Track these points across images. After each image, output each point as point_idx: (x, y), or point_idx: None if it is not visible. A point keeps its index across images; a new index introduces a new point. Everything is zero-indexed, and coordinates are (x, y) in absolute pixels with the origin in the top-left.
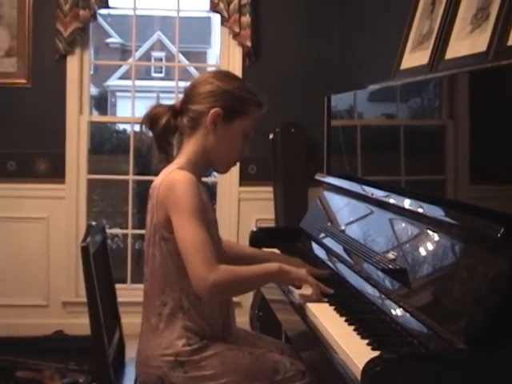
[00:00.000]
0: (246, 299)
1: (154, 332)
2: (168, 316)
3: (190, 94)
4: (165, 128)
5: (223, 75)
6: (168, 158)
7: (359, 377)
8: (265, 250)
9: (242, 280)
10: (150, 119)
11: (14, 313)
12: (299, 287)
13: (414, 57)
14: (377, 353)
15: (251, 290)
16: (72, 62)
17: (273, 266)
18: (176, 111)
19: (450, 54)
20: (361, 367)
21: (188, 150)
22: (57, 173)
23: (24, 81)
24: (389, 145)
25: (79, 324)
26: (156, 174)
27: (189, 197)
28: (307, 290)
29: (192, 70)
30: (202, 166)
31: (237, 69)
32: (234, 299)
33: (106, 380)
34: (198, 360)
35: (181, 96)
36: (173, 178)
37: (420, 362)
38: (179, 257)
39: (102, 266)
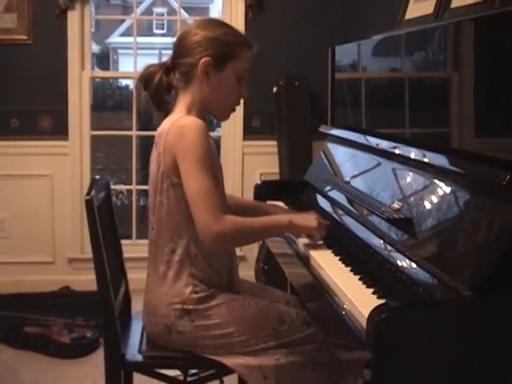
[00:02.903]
0: (251, 253)
1: (161, 281)
2: (177, 263)
3: (177, 48)
4: (158, 86)
5: (207, 23)
6: (167, 115)
7: (365, 324)
8: (269, 203)
9: (247, 231)
10: (144, 79)
11: (21, 270)
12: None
13: (419, 6)
14: (382, 301)
15: (256, 242)
16: (73, 17)
17: (284, 219)
18: (168, 68)
19: (456, 2)
20: (366, 315)
21: (185, 102)
22: (60, 129)
23: (25, 37)
24: (394, 96)
25: (85, 280)
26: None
27: (198, 144)
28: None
29: None
30: (202, 116)
31: (239, 23)
32: (239, 253)
33: (113, 333)
34: (205, 309)
35: None
36: (182, 124)
37: (426, 309)
38: (187, 203)
39: (106, 221)
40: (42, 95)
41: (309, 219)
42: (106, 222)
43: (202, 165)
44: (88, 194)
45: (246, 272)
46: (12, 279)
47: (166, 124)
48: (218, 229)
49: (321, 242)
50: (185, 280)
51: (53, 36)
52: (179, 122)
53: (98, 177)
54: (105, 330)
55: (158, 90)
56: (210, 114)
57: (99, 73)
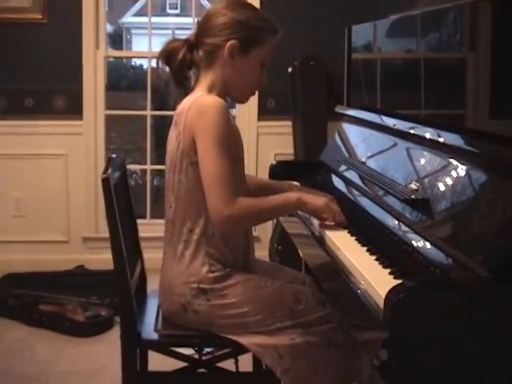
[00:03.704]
0: (265, 233)
1: (178, 260)
2: (194, 242)
3: (203, 27)
4: (181, 62)
5: (236, 5)
6: (186, 92)
7: (382, 305)
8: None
9: (258, 213)
10: (167, 54)
11: (36, 249)
12: (323, 220)
13: None
14: (399, 281)
15: (268, 221)
16: None
17: (292, 196)
18: (191, 45)
19: None
20: (383, 295)
21: (206, 82)
22: (74, 109)
23: (39, 16)
24: (410, 77)
25: (100, 259)
26: (174, 109)
27: (218, 123)
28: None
29: (208, 5)
30: (221, 96)
31: (255, 2)
32: (253, 234)
33: (129, 311)
34: (221, 288)
35: None
36: (203, 102)
37: (443, 289)
38: None
39: (122, 199)
40: (57, 75)
41: (318, 198)
42: (122, 201)
43: (219, 145)
44: (104, 172)
45: (260, 252)
46: (27, 258)
47: (187, 102)
48: (228, 213)
49: (332, 224)
50: (201, 259)
51: (67, 15)
52: (200, 101)
53: (114, 155)
54: (121, 309)
55: (180, 66)
56: (229, 96)
57: (114, 52)
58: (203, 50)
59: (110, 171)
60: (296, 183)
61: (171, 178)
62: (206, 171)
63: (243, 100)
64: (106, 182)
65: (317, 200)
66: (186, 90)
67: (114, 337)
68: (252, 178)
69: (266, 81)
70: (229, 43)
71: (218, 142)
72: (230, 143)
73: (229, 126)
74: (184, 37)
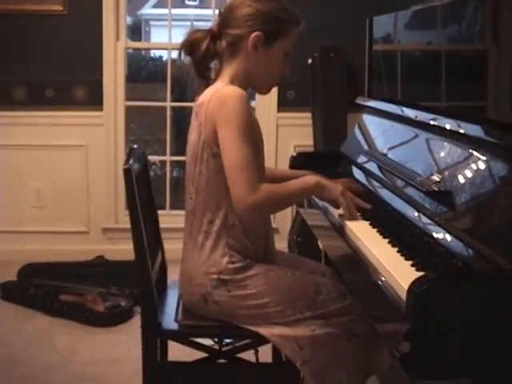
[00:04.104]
0: (284, 225)
1: (198, 250)
2: (215, 234)
3: (227, 18)
4: (205, 53)
5: None
6: (208, 83)
7: (404, 297)
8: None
9: (280, 198)
10: (190, 45)
11: (56, 239)
12: (337, 207)
13: None
14: (422, 273)
15: (290, 206)
16: None
17: (311, 180)
18: (214, 35)
19: None
20: (406, 287)
21: (229, 73)
22: (95, 100)
23: (60, 8)
24: (431, 69)
25: (119, 250)
26: (193, 101)
27: (239, 113)
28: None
29: None
30: (244, 87)
31: None
32: (272, 224)
33: (150, 301)
34: (241, 279)
35: None
36: (223, 93)
37: (466, 281)
38: None
39: (143, 190)
40: (77, 66)
41: (336, 185)
42: (143, 192)
43: (241, 134)
44: (126, 163)
45: (280, 244)
46: (47, 248)
47: (208, 93)
48: (253, 201)
49: (359, 214)
50: (222, 250)
51: (88, 6)
52: (221, 91)
53: (135, 146)
54: (142, 299)
55: (204, 56)
56: (252, 87)
57: (134, 44)
58: (226, 41)
59: (131, 162)
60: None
61: (192, 169)
62: (229, 160)
63: (266, 91)
64: (127, 172)
65: (334, 186)
66: (208, 80)
67: (133, 327)
68: (271, 171)
69: (289, 72)
70: (253, 35)
71: (240, 131)
72: (251, 132)
73: (249, 115)
74: (206, 28)
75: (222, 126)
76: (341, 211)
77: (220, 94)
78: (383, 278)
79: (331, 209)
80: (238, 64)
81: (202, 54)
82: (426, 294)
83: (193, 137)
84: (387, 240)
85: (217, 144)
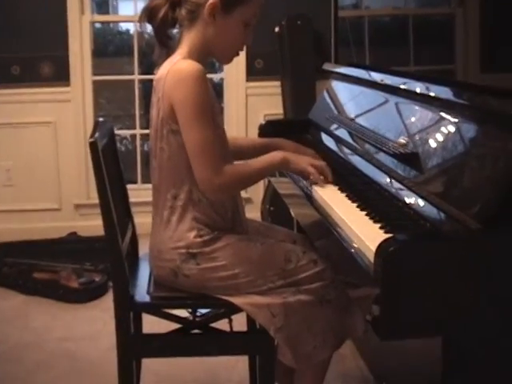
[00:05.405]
0: (257, 195)
1: (165, 225)
2: (180, 208)
3: None
4: (163, 20)
5: None
6: (169, 52)
7: (372, 259)
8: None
9: (246, 177)
10: (149, 12)
11: (28, 217)
12: (309, 178)
13: None
14: (389, 235)
15: (256, 183)
16: None
17: (277, 156)
18: (174, 3)
19: None
20: (374, 249)
21: (188, 42)
22: (61, 76)
23: None
24: (398, 33)
25: (92, 226)
26: (154, 73)
27: (195, 92)
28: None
29: None
30: (204, 57)
31: None
32: (244, 195)
33: (121, 275)
34: (210, 251)
35: None
36: (179, 69)
37: (434, 242)
38: None
39: (111, 164)
40: (43, 41)
41: (302, 158)
42: (111, 166)
43: (200, 115)
44: (91, 136)
45: (252, 214)
46: (19, 227)
47: (165, 67)
48: (219, 182)
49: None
50: (188, 224)
51: None
52: (177, 67)
53: (101, 119)
54: (113, 272)
55: (162, 24)
56: (213, 57)
57: (99, 17)
58: (185, 9)
59: (97, 135)
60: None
61: (154, 145)
62: (190, 142)
63: (226, 61)
64: (93, 145)
65: (300, 159)
66: (169, 49)
67: (108, 302)
68: (238, 143)
69: (251, 42)
70: (209, 2)
71: (197, 112)
72: (210, 111)
73: (206, 93)
74: None
75: (180, 108)
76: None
77: (176, 71)
78: (353, 244)
79: (301, 177)
80: (197, 33)
81: (160, 21)
82: (393, 256)
83: (153, 112)
84: (356, 204)
85: (175, 121)
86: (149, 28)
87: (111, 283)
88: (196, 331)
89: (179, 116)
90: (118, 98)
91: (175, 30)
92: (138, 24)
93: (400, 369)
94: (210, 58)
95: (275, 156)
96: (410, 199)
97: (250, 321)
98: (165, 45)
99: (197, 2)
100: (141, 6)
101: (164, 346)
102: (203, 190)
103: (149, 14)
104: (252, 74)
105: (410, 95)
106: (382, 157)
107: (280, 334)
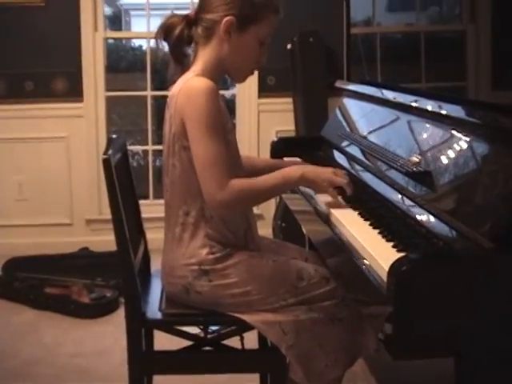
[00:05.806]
0: (268, 210)
1: (178, 242)
2: (192, 225)
3: (203, 3)
4: (179, 38)
5: None
6: (183, 69)
7: (385, 278)
8: (286, 159)
9: (254, 194)
10: (165, 29)
11: (40, 232)
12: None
13: None
14: (402, 254)
15: (269, 200)
16: None
17: (294, 174)
18: (190, 21)
19: None
20: (387, 268)
21: (203, 59)
22: (75, 91)
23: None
24: (410, 50)
25: (103, 241)
26: (168, 89)
27: (206, 108)
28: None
29: None
30: (218, 75)
31: None
32: (256, 212)
33: (133, 291)
34: (222, 268)
35: None
36: (191, 86)
37: (446, 261)
38: None
39: (124, 180)
40: (56, 57)
41: (324, 172)
42: (124, 182)
43: (209, 131)
44: (105, 153)
45: (264, 230)
46: (31, 241)
47: (178, 85)
48: (220, 198)
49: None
50: (201, 241)
51: None
52: (189, 84)
53: (114, 136)
54: (125, 289)
55: (178, 41)
56: (227, 75)
57: (113, 33)
58: (201, 27)
59: (110, 152)
60: (298, 159)
61: (166, 161)
62: (197, 157)
63: (240, 80)
64: (106, 162)
65: (321, 170)
66: (184, 66)
67: (119, 318)
68: (252, 161)
69: (265, 60)
70: (225, 19)
71: (207, 128)
72: (220, 127)
73: (217, 110)
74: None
75: (190, 123)
76: (325, 198)
77: (188, 88)
78: (365, 261)
79: (313, 194)
80: (212, 50)
81: (176, 39)
82: (407, 275)
83: (166, 129)
84: (368, 222)
85: (187, 138)
86: (165, 45)
87: (122, 299)
88: (207, 348)
89: (189, 131)
90: (130, 114)
91: (190, 48)
92: (154, 41)
93: None
94: (224, 75)
95: (293, 173)
96: (422, 217)
97: (262, 338)
98: (180, 62)
99: (213, 19)
100: (154, 22)
101: (175, 362)
102: (208, 204)
103: (165, 32)
104: (264, 90)
105: (421, 113)
106: (394, 174)
107: (291, 352)
